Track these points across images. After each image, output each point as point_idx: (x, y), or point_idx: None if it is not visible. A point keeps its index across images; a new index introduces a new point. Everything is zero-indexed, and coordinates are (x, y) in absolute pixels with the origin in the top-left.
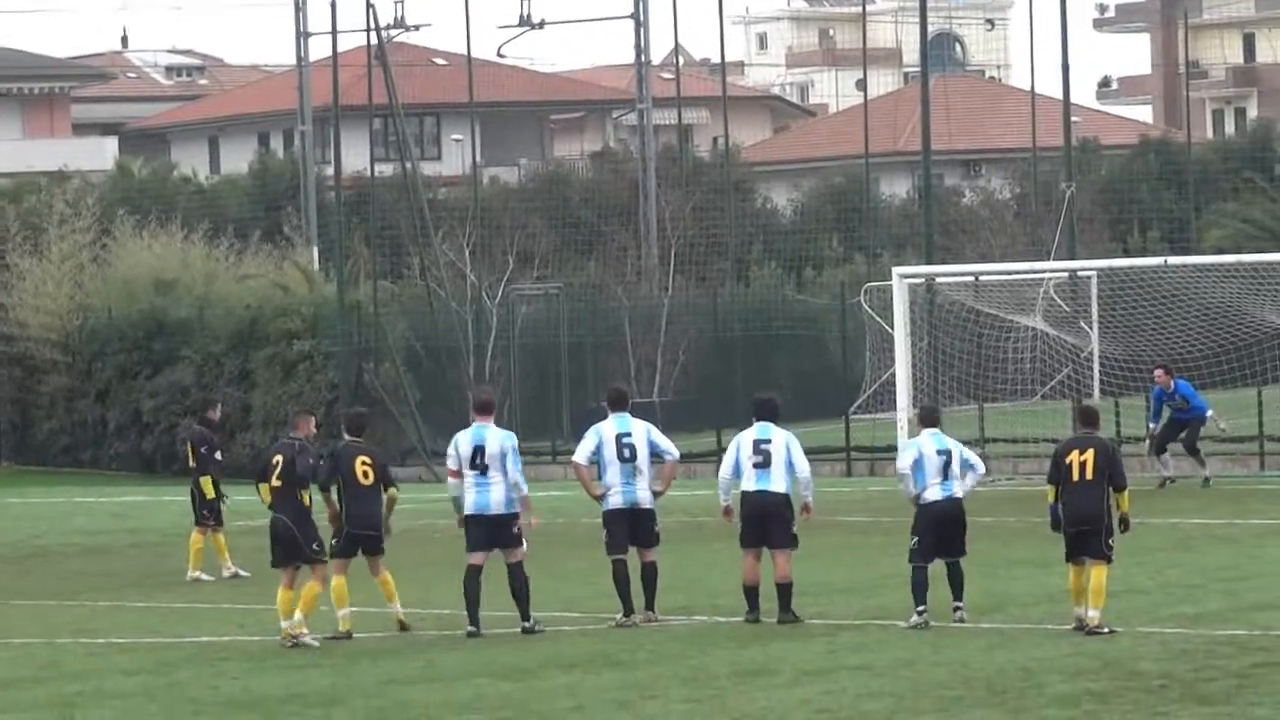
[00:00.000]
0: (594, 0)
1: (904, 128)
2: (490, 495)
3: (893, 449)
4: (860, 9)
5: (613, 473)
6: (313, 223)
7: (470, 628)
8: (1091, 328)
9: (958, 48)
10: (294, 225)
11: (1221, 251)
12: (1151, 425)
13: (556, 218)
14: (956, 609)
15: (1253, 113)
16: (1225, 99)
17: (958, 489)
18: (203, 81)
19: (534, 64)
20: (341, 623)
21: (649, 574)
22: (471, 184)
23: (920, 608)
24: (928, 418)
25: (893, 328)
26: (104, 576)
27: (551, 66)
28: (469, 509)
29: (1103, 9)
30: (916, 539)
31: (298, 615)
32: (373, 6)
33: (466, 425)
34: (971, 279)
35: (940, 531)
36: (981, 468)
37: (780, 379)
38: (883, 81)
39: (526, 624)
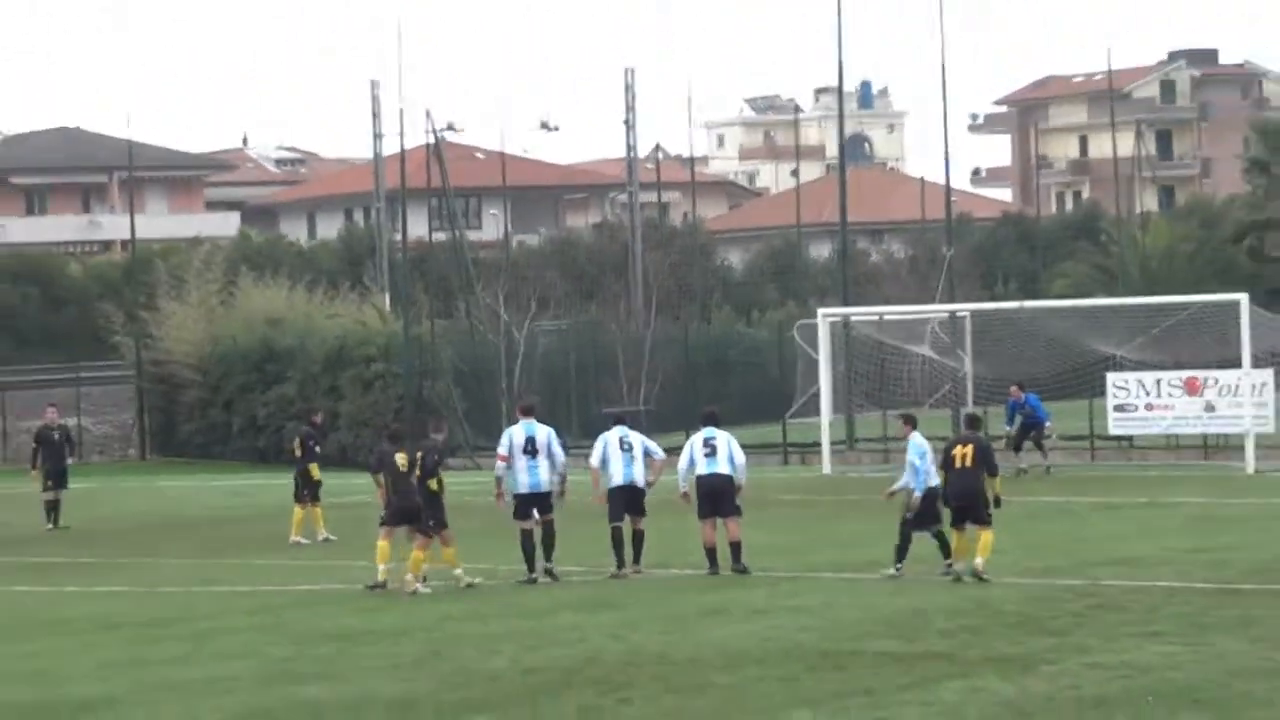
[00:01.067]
0: (596, 109)
1: (826, 205)
2: (540, 475)
3: (818, 445)
4: (794, 117)
5: (615, 461)
6: (385, 276)
7: (530, 575)
8: (966, 354)
9: (867, 145)
10: (371, 278)
11: (1063, 297)
12: (1007, 428)
13: (567, 272)
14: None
15: (1086, 194)
16: (1066, 184)
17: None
18: (303, 170)
19: (551, 157)
20: (381, 574)
21: (638, 538)
22: (504, 247)
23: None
24: (907, 421)
25: (818, 354)
26: (228, 541)
27: (564, 159)
28: (523, 489)
29: (975, 116)
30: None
31: (409, 574)
32: (430, 114)
33: (500, 427)
34: (877, 318)
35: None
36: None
37: (734, 393)
38: (811, 170)
39: (549, 566)
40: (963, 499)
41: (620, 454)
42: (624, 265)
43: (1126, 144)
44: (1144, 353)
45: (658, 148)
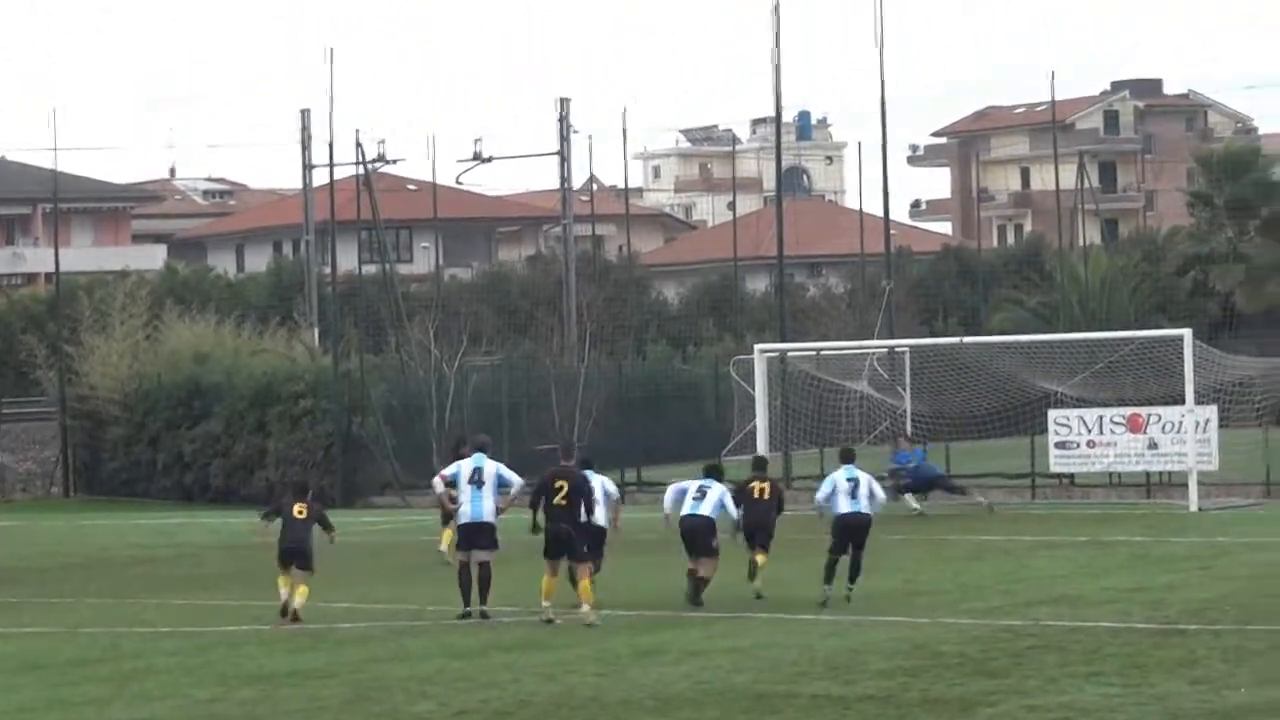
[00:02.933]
0: (530, 139)
1: (764, 238)
2: (482, 506)
3: None
4: (731, 148)
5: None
6: (314, 310)
7: (465, 609)
8: (905, 391)
9: (805, 177)
10: (300, 312)
11: (1004, 333)
12: (886, 475)
13: (500, 306)
14: (849, 588)
15: (1028, 228)
16: (1007, 217)
17: (864, 506)
18: (232, 202)
19: (483, 189)
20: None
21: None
22: (435, 281)
23: (827, 586)
24: (846, 456)
25: (754, 390)
26: (152, 580)
27: (497, 191)
28: (465, 519)
29: (914, 148)
30: (833, 539)
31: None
32: (361, 145)
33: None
34: (814, 353)
35: (846, 535)
36: (882, 495)
37: (669, 429)
38: (748, 203)
39: (483, 608)
40: (757, 527)
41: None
42: (558, 299)
43: (1069, 176)
44: (1086, 389)
45: (592, 179)
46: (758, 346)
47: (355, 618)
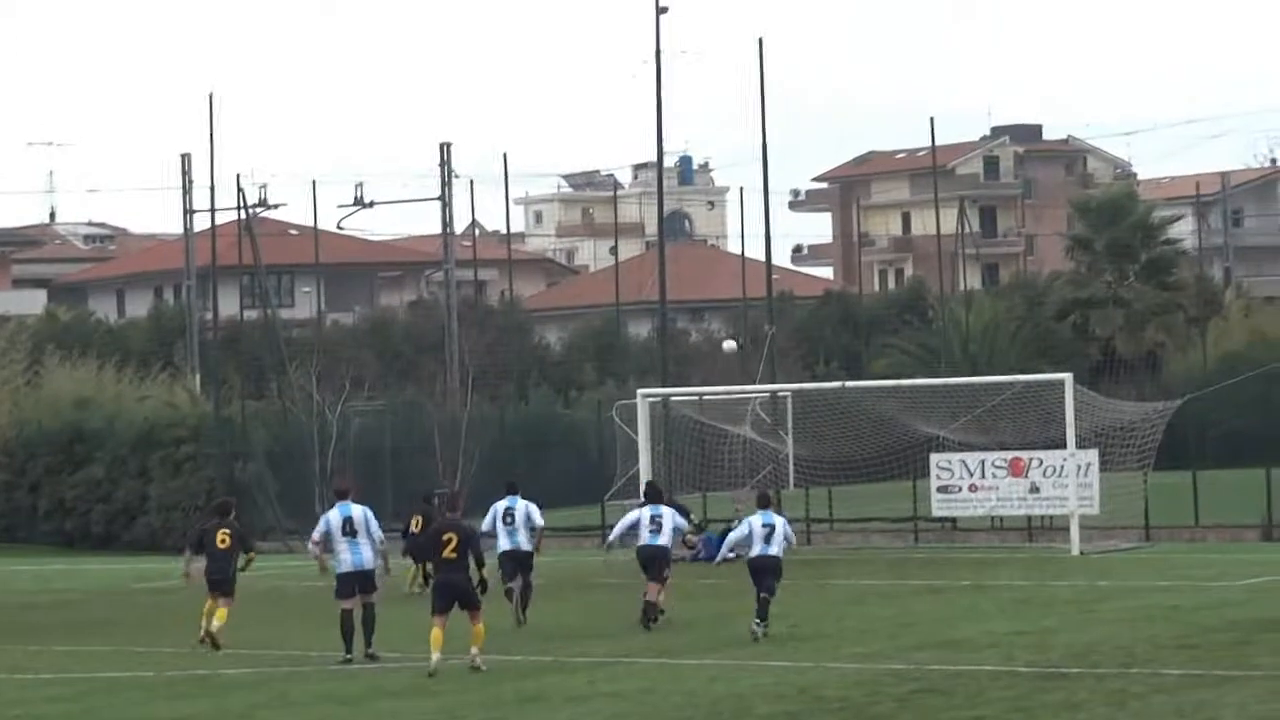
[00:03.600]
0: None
1: (646, 283)
2: (362, 554)
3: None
4: (613, 193)
5: (501, 533)
6: (196, 355)
7: (346, 655)
8: (788, 435)
9: (687, 222)
10: (182, 357)
11: (886, 377)
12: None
13: (382, 351)
14: (757, 624)
15: (909, 272)
16: (888, 261)
17: (774, 549)
18: (112, 247)
19: (365, 234)
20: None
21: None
22: (317, 326)
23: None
24: (761, 501)
25: (637, 435)
26: (34, 627)
27: (379, 236)
28: (345, 568)
29: (796, 193)
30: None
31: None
32: (242, 190)
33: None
34: (697, 398)
35: (756, 577)
36: (793, 539)
37: (552, 474)
38: (630, 248)
39: (369, 650)
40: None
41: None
42: (440, 344)
43: (949, 221)
44: (968, 433)
45: (474, 224)
46: (640, 391)
47: (239, 663)
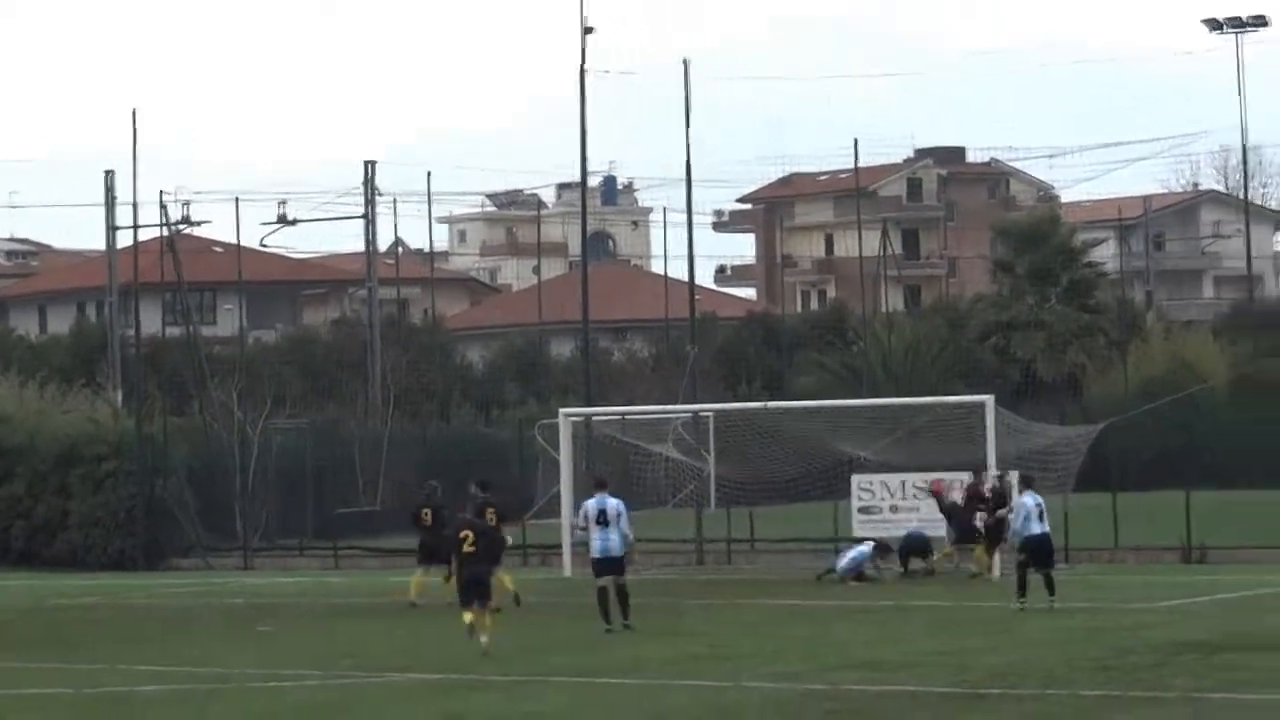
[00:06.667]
0: (335, 202)
1: (569, 302)
2: (610, 541)
3: (559, 547)
4: (536, 213)
5: (595, 535)
6: (118, 372)
7: (606, 626)
8: (710, 455)
9: (610, 242)
10: (104, 374)
11: (808, 398)
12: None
13: (305, 369)
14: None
15: (832, 294)
16: (811, 283)
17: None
18: (34, 263)
19: (288, 251)
20: None
21: None
22: (239, 343)
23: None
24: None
25: (559, 454)
26: None
27: (301, 253)
28: (595, 553)
29: (720, 214)
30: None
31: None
32: (165, 207)
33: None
34: (620, 417)
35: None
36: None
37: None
38: (553, 267)
39: (626, 621)
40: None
41: (595, 526)
42: (363, 362)
43: (872, 243)
44: (890, 454)
45: (398, 242)
46: (562, 410)
47: (159, 680)
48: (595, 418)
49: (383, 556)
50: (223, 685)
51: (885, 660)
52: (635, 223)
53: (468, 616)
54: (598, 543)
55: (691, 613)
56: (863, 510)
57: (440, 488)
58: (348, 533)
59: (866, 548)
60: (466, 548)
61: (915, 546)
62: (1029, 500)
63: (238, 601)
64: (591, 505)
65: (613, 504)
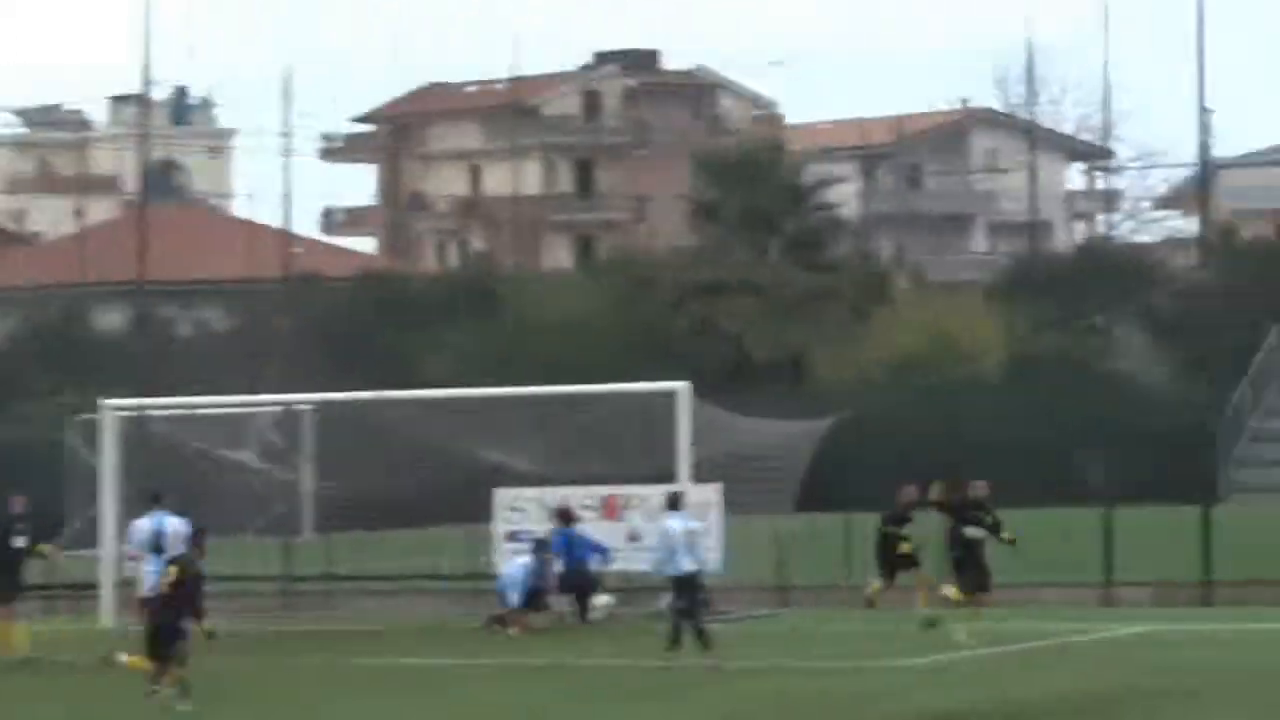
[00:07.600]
0: None
1: (122, 257)
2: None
3: (94, 587)
4: (80, 136)
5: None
6: None
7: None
8: (306, 463)
9: (180, 175)
10: None
11: (441, 385)
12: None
13: None
14: None
15: (477, 245)
16: (450, 231)
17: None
18: None
19: None
20: None
21: None
22: None
23: None
24: None
25: (102, 462)
26: None
27: None
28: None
29: (330, 138)
30: None
31: None
32: None
33: None
34: (186, 412)
35: None
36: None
37: None
38: (103, 209)
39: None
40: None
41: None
42: None
43: (533, 178)
44: (548, 461)
45: None
46: (107, 403)
47: None
48: (151, 412)
49: None
50: None
51: None
52: (214, 149)
53: None
54: (153, 577)
55: (275, 678)
56: (511, 536)
57: None
58: None
59: (527, 558)
60: None
61: (577, 582)
62: (675, 525)
63: None
64: (145, 525)
65: (174, 524)
